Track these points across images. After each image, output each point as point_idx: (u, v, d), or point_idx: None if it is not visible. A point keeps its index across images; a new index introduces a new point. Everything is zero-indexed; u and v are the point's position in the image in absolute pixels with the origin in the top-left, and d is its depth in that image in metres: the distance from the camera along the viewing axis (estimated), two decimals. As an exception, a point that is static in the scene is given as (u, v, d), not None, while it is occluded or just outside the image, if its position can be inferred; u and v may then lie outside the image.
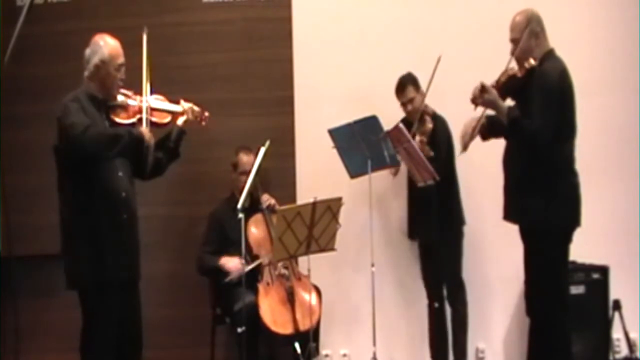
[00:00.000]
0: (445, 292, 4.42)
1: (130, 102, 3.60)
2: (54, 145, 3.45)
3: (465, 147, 3.71)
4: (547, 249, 3.57)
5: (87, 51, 3.54)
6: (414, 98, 4.36)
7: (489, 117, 3.70)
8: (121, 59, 3.54)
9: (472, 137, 3.68)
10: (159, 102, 3.72)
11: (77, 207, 3.44)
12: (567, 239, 3.61)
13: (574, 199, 3.58)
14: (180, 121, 3.76)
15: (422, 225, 4.46)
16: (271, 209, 4.41)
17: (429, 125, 4.34)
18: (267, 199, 4.44)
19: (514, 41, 3.60)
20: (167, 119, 3.73)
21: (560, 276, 3.65)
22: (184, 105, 3.79)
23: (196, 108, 3.82)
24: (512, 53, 3.60)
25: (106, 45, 3.52)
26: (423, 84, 4.29)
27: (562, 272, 3.67)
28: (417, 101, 4.35)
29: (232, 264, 4.28)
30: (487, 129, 3.74)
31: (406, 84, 4.39)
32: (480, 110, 3.63)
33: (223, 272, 4.28)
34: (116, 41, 3.56)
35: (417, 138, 4.24)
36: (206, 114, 3.88)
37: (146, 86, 3.62)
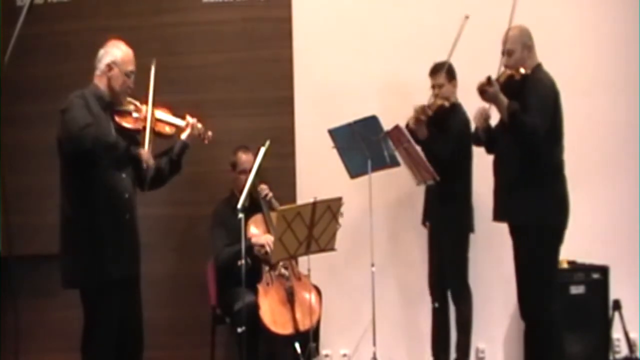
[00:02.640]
0: (450, 293, 4.41)
1: (135, 114, 3.61)
2: (57, 139, 3.43)
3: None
4: (537, 247, 3.64)
5: (101, 52, 3.56)
6: (443, 85, 4.33)
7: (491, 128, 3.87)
8: (132, 67, 3.55)
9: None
10: (164, 114, 3.73)
11: (80, 205, 3.44)
12: (558, 238, 3.68)
13: (564, 200, 3.69)
14: (184, 135, 3.77)
15: (431, 213, 4.46)
16: (268, 201, 4.41)
17: (439, 102, 4.31)
18: (265, 189, 4.44)
19: (508, 52, 3.74)
20: (171, 130, 3.74)
21: (550, 276, 3.69)
22: (189, 120, 3.79)
23: (199, 125, 3.82)
24: (505, 63, 3.75)
25: (120, 49, 3.55)
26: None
27: (552, 271, 3.72)
28: (445, 90, 4.32)
29: (266, 237, 4.30)
30: (488, 135, 3.89)
31: (440, 70, 4.34)
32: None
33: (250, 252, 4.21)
34: (130, 50, 3.58)
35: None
36: (209, 133, 3.88)
37: (151, 102, 3.62)
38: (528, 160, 3.63)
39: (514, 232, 3.76)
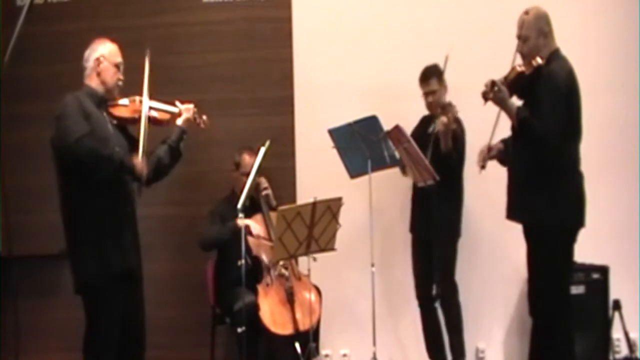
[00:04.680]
0: (434, 293, 4.40)
1: (129, 105, 3.62)
2: (50, 138, 3.43)
3: (483, 166, 3.77)
4: (550, 248, 3.56)
5: (86, 52, 3.59)
6: (435, 91, 4.31)
7: (504, 141, 3.75)
8: (119, 59, 3.58)
9: (486, 157, 3.74)
10: (157, 102, 3.73)
11: (80, 202, 3.43)
12: (571, 238, 3.60)
13: (579, 199, 3.58)
14: (179, 121, 3.76)
15: (420, 219, 4.47)
16: (265, 196, 4.42)
17: (455, 110, 4.15)
18: (264, 187, 4.43)
19: (522, 38, 3.59)
20: (166, 117, 3.75)
21: (563, 276, 3.65)
22: (181, 106, 3.80)
23: (191, 106, 3.81)
24: (519, 49, 3.60)
25: (104, 45, 3.59)
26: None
27: (565, 272, 3.66)
28: (438, 94, 4.31)
29: (251, 222, 4.26)
30: (504, 153, 3.76)
31: (430, 76, 4.33)
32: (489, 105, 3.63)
33: (236, 238, 4.10)
34: (115, 45, 3.61)
35: (443, 118, 4.09)
36: (204, 117, 3.87)
37: (146, 89, 3.63)
38: (540, 158, 3.51)
39: (527, 232, 3.68)
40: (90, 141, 3.32)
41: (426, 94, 4.36)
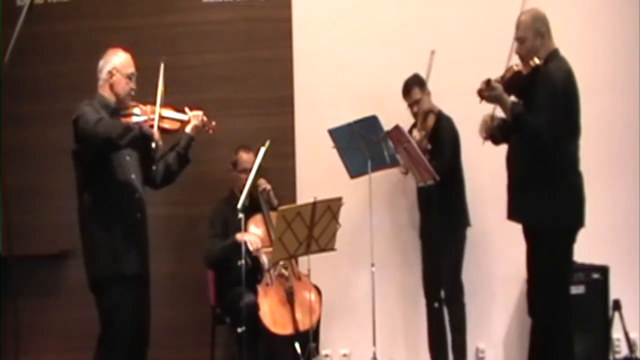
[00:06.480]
0: (442, 294, 4.41)
1: (142, 116, 3.66)
2: (72, 150, 3.52)
3: (485, 137, 3.73)
4: (550, 248, 3.56)
5: (100, 62, 3.65)
6: (419, 100, 4.36)
7: (504, 120, 3.70)
8: (132, 69, 3.64)
9: (489, 126, 3.68)
10: (168, 111, 3.77)
11: (93, 206, 3.52)
12: (570, 238, 3.59)
13: (578, 199, 3.57)
14: (188, 128, 3.82)
15: (426, 224, 4.47)
16: (266, 194, 4.42)
17: (430, 121, 4.36)
18: (263, 184, 4.43)
19: (519, 40, 3.59)
20: (176, 126, 3.80)
21: (563, 276, 3.64)
22: (190, 113, 3.85)
23: (199, 113, 3.86)
24: (517, 51, 3.60)
25: (118, 55, 3.65)
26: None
27: (565, 272, 3.66)
28: (423, 102, 4.35)
29: (249, 236, 4.26)
30: (501, 130, 3.71)
31: (412, 86, 4.40)
32: (488, 105, 3.64)
33: (237, 251, 4.13)
34: (128, 54, 3.65)
35: (416, 133, 4.25)
36: (213, 123, 3.91)
37: (158, 100, 3.67)
38: (539, 158, 3.50)
39: (527, 232, 3.66)
40: (106, 121, 3.44)
41: (411, 106, 4.43)
